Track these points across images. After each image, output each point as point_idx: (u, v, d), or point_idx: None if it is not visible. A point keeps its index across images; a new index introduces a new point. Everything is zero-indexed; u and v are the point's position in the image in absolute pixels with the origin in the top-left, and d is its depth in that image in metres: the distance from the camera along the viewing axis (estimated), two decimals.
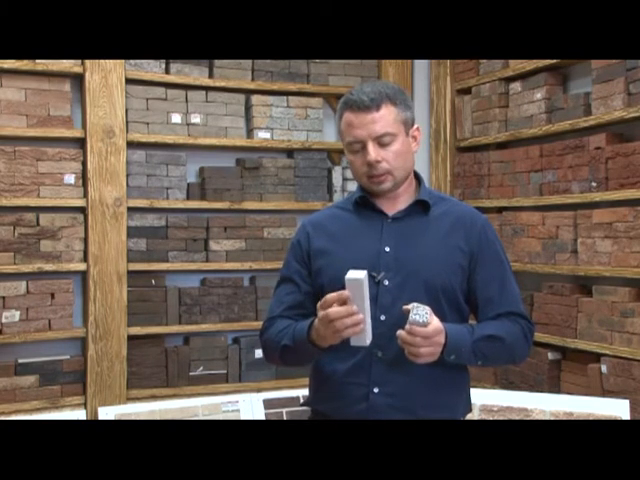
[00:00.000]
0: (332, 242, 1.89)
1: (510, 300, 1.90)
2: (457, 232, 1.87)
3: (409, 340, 1.65)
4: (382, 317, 1.79)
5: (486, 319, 1.86)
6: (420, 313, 1.65)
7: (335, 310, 1.64)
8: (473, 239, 1.88)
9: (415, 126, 1.89)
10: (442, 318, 1.77)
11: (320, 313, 1.68)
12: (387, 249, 1.84)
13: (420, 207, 1.89)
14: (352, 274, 1.64)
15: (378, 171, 1.82)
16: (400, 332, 1.65)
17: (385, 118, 1.80)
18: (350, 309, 1.64)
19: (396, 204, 1.89)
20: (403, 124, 1.84)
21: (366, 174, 1.84)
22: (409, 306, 1.67)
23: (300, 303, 1.91)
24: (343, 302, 1.65)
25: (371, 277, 1.79)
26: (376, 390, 1.79)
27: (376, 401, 1.79)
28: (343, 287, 1.75)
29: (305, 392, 3.81)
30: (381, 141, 1.80)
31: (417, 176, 1.95)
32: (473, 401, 2.91)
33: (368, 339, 1.69)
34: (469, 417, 2.82)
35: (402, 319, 1.70)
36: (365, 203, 1.90)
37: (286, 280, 1.96)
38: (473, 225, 1.90)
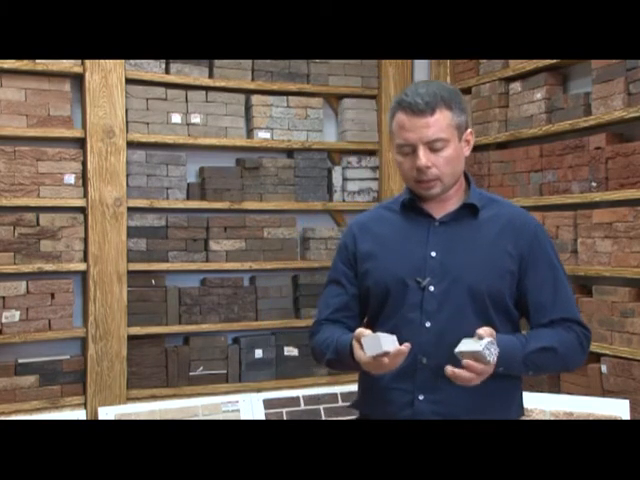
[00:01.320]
0: (378, 245, 1.86)
1: (564, 305, 1.82)
2: (506, 236, 1.81)
3: (465, 377, 1.61)
4: (427, 324, 1.76)
5: (539, 325, 1.81)
6: (492, 351, 1.58)
7: (375, 367, 1.65)
8: (523, 242, 1.81)
9: (468, 130, 1.84)
10: (489, 323, 1.73)
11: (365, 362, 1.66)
12: (433, 254, 1.79)
13: (469, 210, 1.84)
14: (370, 349, 1.61)
15: (427, 177, 1.77)
16: (452, 370, 1.61)
17: (439, 123, 1.75)
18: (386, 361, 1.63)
19: (444, 207, 1.84)
20: (457, 129, 1.79)
21: (415, 178, 1.79)
22: (482, 331, 1.61)
23: (347, 305, 1.90)
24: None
25: (416, 283, 1.78)
26: (421, 397, 1.76)
27: (421, 408, 1.76)
28: (386, 291, 1.79)
29: (305, 392, 3.85)
30: (433, 146, 1.75)
31: (467, 177, 1.90)
32: None
33: None
34: None
35: (448, 326, 1.70)
36: (412, 205, 1.86)
37: (333, 282, 1.94)
38: (523, 228, 1.83)
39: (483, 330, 1.62)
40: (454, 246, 1.80)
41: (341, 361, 1.80)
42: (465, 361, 1.59)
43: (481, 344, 1.58)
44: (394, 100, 1.83)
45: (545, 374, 1.86)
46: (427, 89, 1.76)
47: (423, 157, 1.75)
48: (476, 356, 1.58)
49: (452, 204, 1.85)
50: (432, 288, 1.77)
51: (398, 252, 1.82)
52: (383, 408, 1.81)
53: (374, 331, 1.67)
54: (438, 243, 1.80)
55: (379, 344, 1.59)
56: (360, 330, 1.67)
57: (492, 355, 1.59)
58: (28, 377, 3.45)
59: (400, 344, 1.62)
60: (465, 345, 1.60)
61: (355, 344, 1.68)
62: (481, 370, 1.60)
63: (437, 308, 1.75)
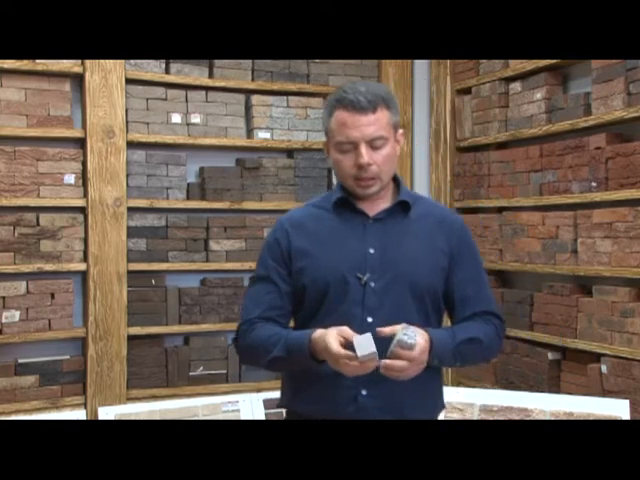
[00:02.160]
0: (314, 242, 1.87)
1: (485, 300, 1.93)
2: (438, 233, 1.89)
3: (397, 366, 1.64)
4: (369, 319, 1.79)
5: (462, 318, 1.89)
6: (409, 334, 1.64)
7: (352, 369, 1.64)
8: (453, 239, 1.89)
9: (400, 131, 1.89)
10: (426, 318, 1.81)
11: (333, 364, 1.66)
12: (372, 251, 1.83)
13: (401, 208, 1.89)
14: (362, 348, 1.60)
15: (368, 174, 1.80)
16: (384, 362, 1.64)
17: (380, 121, 1.79)
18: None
19: (376, 205, 1.88)
20: (393, 128, 1.84)
21: (354, 176, 1.82)
22: (398, 326, 1.67)
23: (280, 303, 1.88)
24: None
25: (356, 279, 1.80)
26: (364, 392, 1.79)
27: (365, 403, 1.79)
28: (326, 288, 1.78)
29: None
30: (373, 144, 1.79)
31: (395, 177, 1.94)
32: (473, 401, 2.93)
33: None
34: (469, 417, 2.83)
35: (389, 321, 1.70)
36: (345, 204, 1.88)
37: (263, 279, 1.91)
38: (453, 225, 1.92)
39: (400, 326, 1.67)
40: (391, 242, 1.84)
41: (291, 359, 1.78)
42: (392, 350, 1.64)
43: (398, 332, 1.64)
44: (332, 97, 1.84)
45: (469, 365, 1.96)
46: (367, 88, 1.80)
47: (365, 155, 1.78)
48: (400, 345, 1.64)
49: (384, 202, 1.89)
50: (373, 284, 1.80)
51: (336, 249, 1.84)
52: (324, 405, 1.81)
53: (310, 328, 1.74)
54: (375, 240, 1.84)
55: (371, 344, 1.60)
56: (345, 328, 1.67)
57: (412, 338, 1.64)
58: (28, 377, 3.45)
59: None
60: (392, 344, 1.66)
61: (332, 341, 1.65)
62: (410, 357, 1.65)
63: (378, 304, 1.79)
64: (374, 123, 1.78)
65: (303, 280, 1.85)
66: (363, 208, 1.87)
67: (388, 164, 1.82)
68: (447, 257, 1.88)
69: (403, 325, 1.67)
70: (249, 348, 1.88)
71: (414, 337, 1.65)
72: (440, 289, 1.88)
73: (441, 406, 1.96)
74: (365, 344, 1.60)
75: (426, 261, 1.85)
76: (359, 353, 1.60)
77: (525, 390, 3.35)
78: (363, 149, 1.78)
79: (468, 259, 1.91)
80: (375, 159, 1.79)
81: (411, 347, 1.64)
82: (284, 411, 1.98)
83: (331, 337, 1.66)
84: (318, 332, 1.71)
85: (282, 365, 1.84)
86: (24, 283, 3.43)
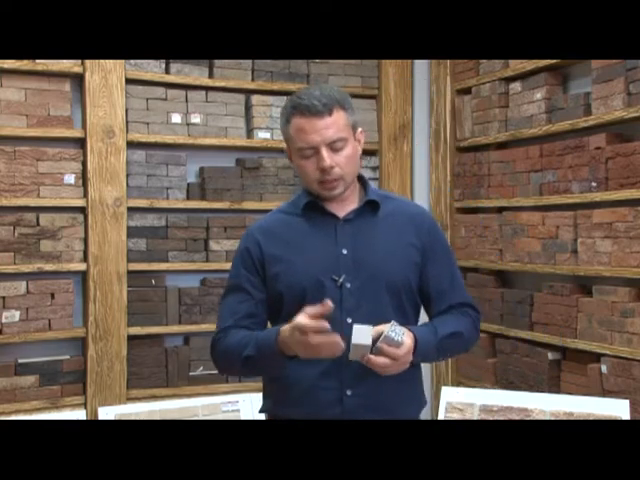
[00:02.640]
0: (286, 248, 1.87)
1: (459, 291, 1.96)
2: (408, 229, 1.90)
3: (380, 363, 1.66)
4: (348, 319, 1.79)
5: (439, 312, 1.92)
6: (397, 331, 1.66)
7: (319, 340, 1.62)
8: (424, 234, 1.91)
9: (359, 129, 1.90)
10: (404, 315, 1.84)
11: (300, 337, 1.64)
12: (344, 251, 1.84)
13: (370, 207, 1.90)
14: (359, 337, 1.62)
15: (331, 176, 1.81)
16: (368, 356, 1.66)
17: (337, 123, 1.80)
18: (333, 336, 1.63)
19: (345, 206, 1.89)
20: (352, 128, 1.86)
21: (318, 180, 1.83)
22: (386, 325, 1.68)
23: (254, 311, 1.89)
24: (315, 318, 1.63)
25: (332, 281, 1.80)
26: (349, 392, 1.79)
27: (350, 403, 1.79)
28: (303, 292, 1.78)
29: None
30: (334, 146, 1.80)
31: (360, 177, 1.96)
32: (473, 401, 2.92)
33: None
34: (469, 417, 2.83)
35: (368, 320, 1.71)
36: (314, 207, 1.89)
37: (236, 289, 1.91)
38: (423, 220, 1.94)
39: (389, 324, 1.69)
40: (362, 242, 1.85)
41: (261, 357, 1.77)
42: (378, 345, 1.65)
43: (387, 329, 1.66)
44: (287, 105, 1.86)
45: (450, 358, 2.00)
46: (321, 91, 1.82)
47: (327, 158, 1.79)
48: (387, 342, 1.66)
49: (351, 203, 1.90)
50: (349, 285, 1.81)
51: (308, 253, 1.85)
52: (308, 408, 1.81)
53: None
54: (347, 241, 1.85)
55: (368, 337, 1.62)
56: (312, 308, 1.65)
57: (399, 335, 1.66)
58: (28, 377, 3.45)
59: None
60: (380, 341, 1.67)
61: (300, 316, 1.63)
62: (395, 354, 1.66)
63: (356, 304, 1.80)
64: (331, 126, 1.79)
65: (278, 287, 1.85)
66: (332, 210, 1.88)
67: (350, 165, 1.84)
68: (419, 252, 1.89)
69: (392, 322, 1.68)
70: (223, 354, 1.89)
71: (401, 335, 1.67)
72: (415, 284, 1.89)
73: (424, 403, 1.98)
74: (363, 334, 1.62)
75: (399, 257, 1.86)
76: (354, 340, 1.62)
77: (525, 390, 3.35)
78: (324, 152, 1.79)
79: (440, 254, 1.94)
80: (337, 161, 1.81)
81: (398, 344, 1.66)
82: (264, 415, 1.97)
83: (299, 316, 1.65)
84: (286, 325, 1.71)
85: (255, 366, 1.82)
86: (24, 283, 3.43)
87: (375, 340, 1.67)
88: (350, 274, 1.82)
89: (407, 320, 1.85)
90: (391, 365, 1.68)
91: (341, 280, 1.81)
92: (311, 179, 1.84)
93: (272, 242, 1.89)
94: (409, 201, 2.07)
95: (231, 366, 1.92)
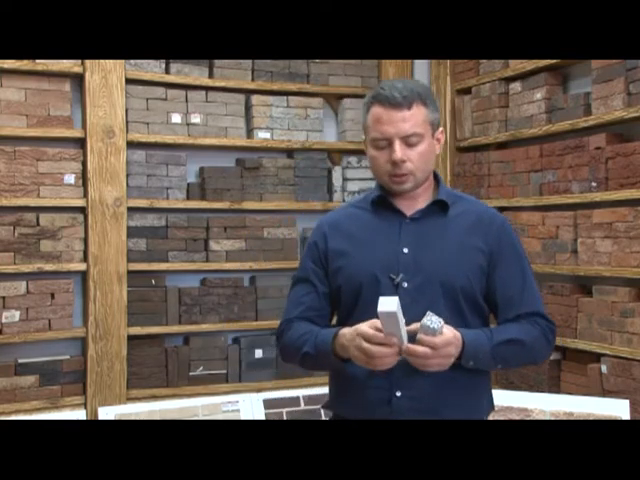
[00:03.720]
0: (350, 242, 1.86)
1: (530, 300, 1.85)
2: (476, 232, 1.84)
3: (419, 352, 1.61)
4: None
5: (506, 320, 1.83)
6: (433, 320, 1.60)
7: (378, 350, 1.61)
8: (492, 238, 1.84)
9: (440, 129, 1.86)
10: (462, 319, 1.76)
11: (361, 344, 1.63)
12: (405, 250, 1.80)
13: (439, 207, 1.86)
14: (384, 306, 1.56)
15: (402, 170, 1.78)
16: (406, 345, 1.61)
17: (415, 118, 1.77)
18: (392, 349, 1.61)
19: (415, 204, 1.86)
20: (430, 125, 1.81)
21: (389, 172, 1.80)
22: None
23: (318, 304, 1.89)
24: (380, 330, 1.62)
25: (390, 279, 1.77)
26: (399, 394, 1.76)
27: (399, 404, 1.75)
28: (359, 287, 1.76)
29: (305, 392, 3.84)
30: (408, 141, 1.77)
31: (436, 176, 1.92)
32: None
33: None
34: None
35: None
36: (383, 202, 1.87)
37: (302, 281, 1.92)
38: (492, 224, 1.86)
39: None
40: (425, 242, 1.81)
41: (318, 357, 1.78)
42: (419, 336, 1.61)
43: (423, 318, 1.61)
44: (369, 95, 1.84)
45: (513, 367, 1.88)
46: (404, 84, 1.79)
47: (399, 151, 1.76)
48: (423, 330, 1.61)
49: (422, 201, 1.86)
50: (405, 284, 1.78)
51: (370, 249, 1.83)
52: (360, 407, 1.79)
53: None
54: (410, 239, 1.81)
55: (393, 305, 1.55)
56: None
57: (434, 323, 1.60)
58: (28, 377, 3.45)
59: None
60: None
61: (363, 324, 1.64)
62: (432, 343, 1.60)
63: (410, 304, 1.74)
64: (409, 119, 1.76)
65: (338, 280, 1.85)
66: (401, 207, 1.85)
67: (423, 161, 1.80)
68: (486, 256, 1.82)
69: (427, 312, 1.63)
70: (285, 346, 1.91)
71: (437, 323, 1.60)
72: (478, 289, 1.82)
73: (488, 407, 1.89)
74: (388, 303, 1.56)
75: (460, 260, 1.80)
76: (379, 308, 1.55)
77: (525, 390, 3.35)
78: (397, 145, 1.76)
79: (509, 258, 1.85)
80: (409, 156, 1.77)
81: (434, 332, 1.60)
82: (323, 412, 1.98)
83: (363, 324, 1.65)
84: (346, 328, 1.71)
85: (312, 363, 1.84)
86: (24, 283, 3.43)
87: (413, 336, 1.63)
88: (408, 274, 1.78)
89: (466, 325, 1.77)
90: (430, 356, 1.61)
91: (398, 279, 1.77)
92: (382, 171, 1.82)
93: (337, 236, 1.89)
94: (480, 202, 1.99)
95: (292, 358, 1.91)
